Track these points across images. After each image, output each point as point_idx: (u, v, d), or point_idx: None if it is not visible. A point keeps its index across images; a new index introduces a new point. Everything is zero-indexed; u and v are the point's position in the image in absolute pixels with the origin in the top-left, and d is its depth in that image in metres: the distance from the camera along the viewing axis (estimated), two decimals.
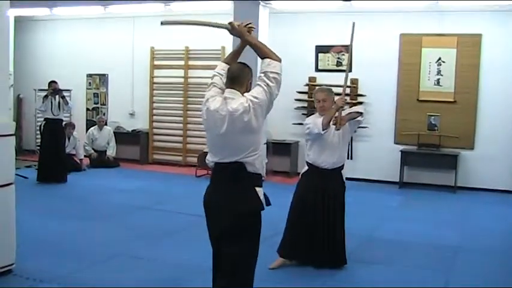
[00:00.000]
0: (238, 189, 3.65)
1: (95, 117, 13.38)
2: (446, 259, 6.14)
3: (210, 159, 3.79)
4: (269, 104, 3.67)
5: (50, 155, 10.15)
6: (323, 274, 5.45)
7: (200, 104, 12.24)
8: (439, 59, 10.49)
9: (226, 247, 3.66)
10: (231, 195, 3.64)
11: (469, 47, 10.29)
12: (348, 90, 8.91)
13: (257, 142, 3.69)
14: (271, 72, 3.65)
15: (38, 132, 12.18)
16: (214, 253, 3.81)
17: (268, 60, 3.70)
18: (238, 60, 3.93)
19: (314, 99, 5.89)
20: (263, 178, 3.77)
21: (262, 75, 3.67)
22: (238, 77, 3.72)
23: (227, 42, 11.31)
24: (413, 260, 6.10)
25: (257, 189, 3.66)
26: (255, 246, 3.72)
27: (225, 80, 3.80)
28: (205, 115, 3.72)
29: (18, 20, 12.89)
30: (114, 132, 12.75)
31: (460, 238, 7.06)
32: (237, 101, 3.61)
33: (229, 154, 3.64)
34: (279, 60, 3.72)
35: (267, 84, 3.63)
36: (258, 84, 3.66)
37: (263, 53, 3.74)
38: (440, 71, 10.50)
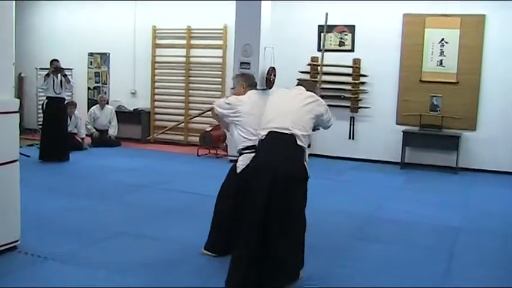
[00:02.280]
0: (290, 156, 4.26)
1: (97, 96, 13.37)
2: (447, 239, 6.16)
3: (263, 127, 4.45)
4: (319, 117, 4.57)
5: (52, 133, 10.14)
6: (322, 252, 5.48)
7: (202, 84, 12.33)
8: (442, 39, 10.45)
9: (276, 212, 4.15)
10: (283, 159, 4.22)
11: (473, 28, 10.25)
12: None
13: (310, 123, 4.49)
14: (330, 117, 4.77)
15: (40, 111, 12.16)
16: (256, 221, 4.21)
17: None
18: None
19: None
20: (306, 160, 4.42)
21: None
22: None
23: (229, 21, 11.33)
24: (413, 240, 6.13)
25: (305, 162, 4.31)
26: (302, 211, 4.39)
27: None
28: (274, 93, 4.77)
29: None
30: (115, 111, 12.75)
31: (461, 219, 7.08)
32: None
33: (287, 123, 4.32)
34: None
35: (328, 111, 4.70)
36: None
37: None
38: (443, 51, 10.47)
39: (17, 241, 5.24)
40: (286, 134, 4.29)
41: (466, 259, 5.54)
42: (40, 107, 12.13)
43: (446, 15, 10.37)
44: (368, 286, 4.68)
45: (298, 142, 4.28)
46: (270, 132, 4.34)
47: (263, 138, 4.38)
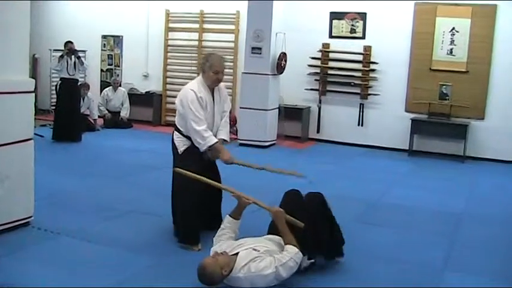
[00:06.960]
0: None
1: (109, 78, 13.51)
2: (450, 225, 6.28)
3: None
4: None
5: (65, 114, 10.29)
6: None
7: None
8: (453, 28, 10.48)
9: None
10: None
11: (484, 18, 10.26)
12: None
13: None
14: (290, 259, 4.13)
15: (53, 92, 12.33)
16: None
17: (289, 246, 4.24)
18: None
19: (210, 66, 5.12)
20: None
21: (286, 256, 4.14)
22: None
23: (242, 6, 11.41)
24: (417, 224, 6.26)
25: None
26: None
27: None
28: None
29: None
30: (128, 94, 12.89)
31: (465, 206, 7.18)
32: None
33: None
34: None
35: (279, 265, 4.07)
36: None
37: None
38: (453, 40, 10.50)
39: (30, 217, 5.41)
40: None
41: (466, 245, 5.65)
42: (53, 88, 12.30)
43: (457, 5, 10.39)
44: (365, 271, 4.82)
45: None
46: None
47: None
